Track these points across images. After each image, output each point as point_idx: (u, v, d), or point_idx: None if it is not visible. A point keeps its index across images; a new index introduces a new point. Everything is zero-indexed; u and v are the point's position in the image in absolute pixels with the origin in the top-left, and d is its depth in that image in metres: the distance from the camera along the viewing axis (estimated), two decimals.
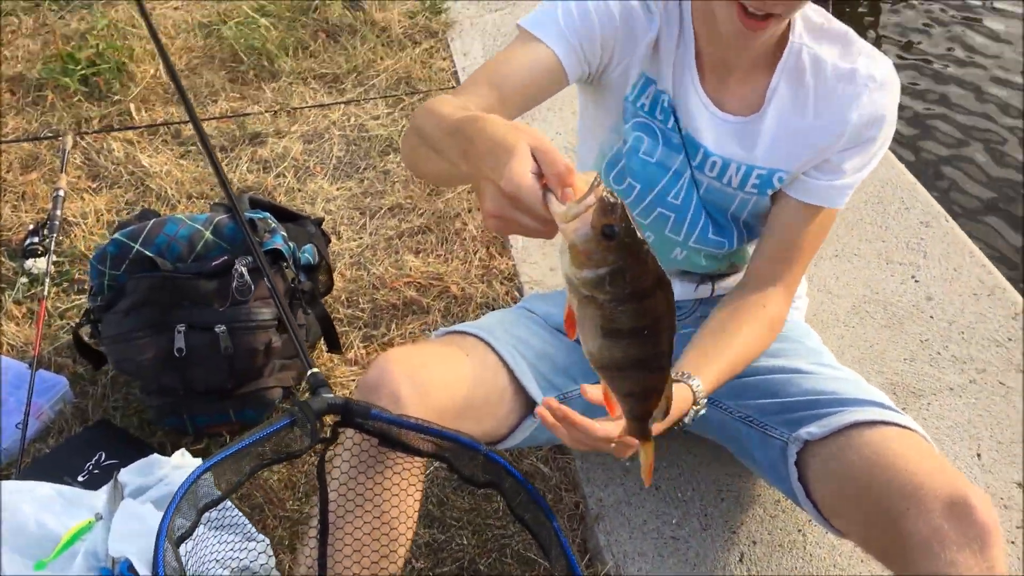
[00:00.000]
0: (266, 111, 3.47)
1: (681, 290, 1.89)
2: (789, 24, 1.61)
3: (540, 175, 0.99)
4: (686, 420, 1.55)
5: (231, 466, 1.46)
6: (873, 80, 1.59)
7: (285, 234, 2.25)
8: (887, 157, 2.85)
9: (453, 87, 3.48)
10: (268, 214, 2.27)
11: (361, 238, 2.91)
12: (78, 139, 3.40)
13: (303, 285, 2.31)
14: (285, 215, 2.51)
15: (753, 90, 1.64)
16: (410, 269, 2.75)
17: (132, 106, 3.62)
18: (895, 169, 2.84)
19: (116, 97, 3.67)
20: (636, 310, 1.02)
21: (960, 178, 3.77)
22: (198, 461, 2.06)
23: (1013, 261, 3.37)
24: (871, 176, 2.75)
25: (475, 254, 2.77)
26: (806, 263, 1.73)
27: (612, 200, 0.95)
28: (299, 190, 3.12)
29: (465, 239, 2.84)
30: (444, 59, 3.67)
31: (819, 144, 1.62)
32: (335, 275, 2.74)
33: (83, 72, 3.75)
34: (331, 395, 1.56)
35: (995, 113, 4.11)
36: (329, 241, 2.73)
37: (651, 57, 1.65)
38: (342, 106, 3.47)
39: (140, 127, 3.46)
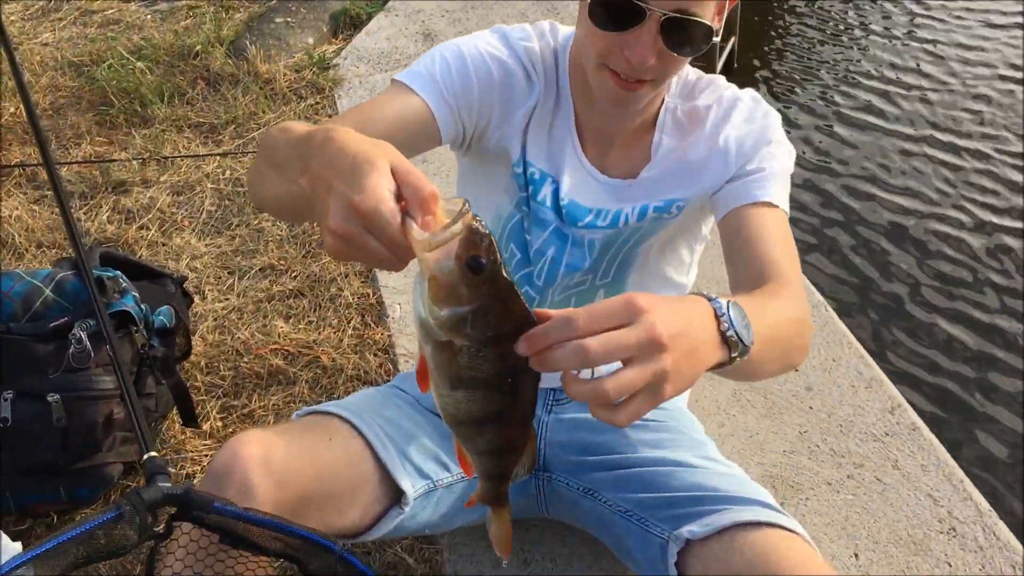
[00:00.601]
0: (133, 158, 3.25)
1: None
2: (666, 88, 1.59)
3: (399, 198, 0.88)
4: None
5: (48, 562, 1.27)
6: (740, 100, 1.58)
7: (137, 295, 2.05)
8: None
9: None
10: (119, 272, 2.08)
11: (228, 299, 2.72)
12: None
13: (156, 351, 2.11)
14: (143, 272, 2.31)
15: (638, 152, 1.60)
16: (278, 335, 2.57)
17: None
18: None
19: None
20: (499, 355, 0.90)
21: (837, 270, 3.85)
22: (17, 546, 1.83)
23: (887, 354, 3.43)
24: None
25: (349, 323, 2.62)
26: (785, 259, 1.42)
27: (481, 230, 0.85)
28: (163, 244, 2.91)
29: (339, 306, 2.68)
30: (329, 116, 3.55)
31: (709, 169, 1.56)
32: (195, 338, 2.54)
33: None
34: (169, 484, 1.39)
35: (869, 209, 4.24)
36: (191, 302, 2.54)
37: (525, 127, 1.58)
38: (218, 158, 3.29)
39: None
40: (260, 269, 2.82)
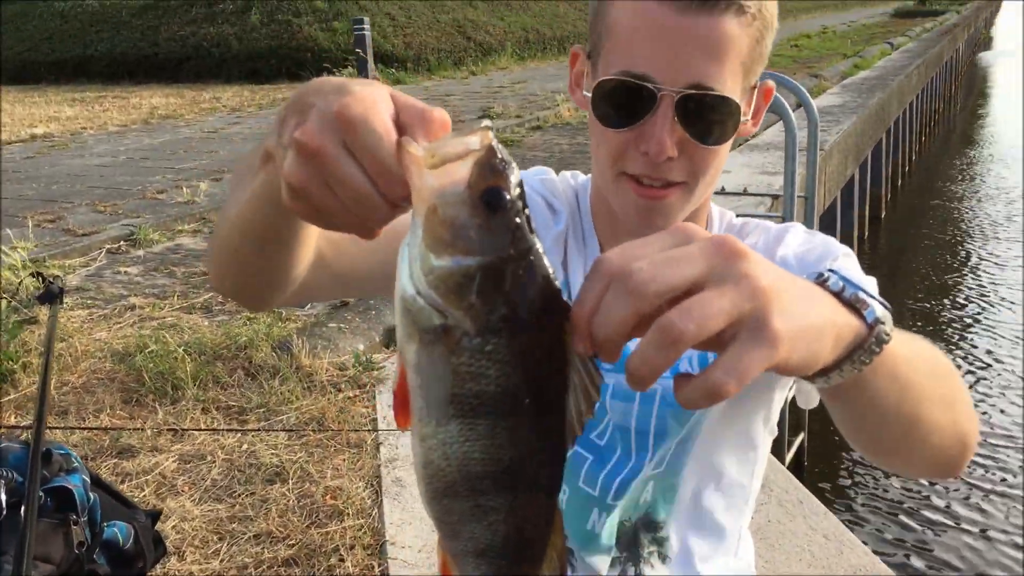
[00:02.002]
0: (147, 428, 3.01)
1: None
2: (707, 226, 1.31)
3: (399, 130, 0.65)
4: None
5: None
6: (793, 227, 1.26)
7: (88, 481, 1.70)
8: None
9: (369, 431, 3.07)
10: (75, 455, 1.74)
11: (209, 564, 2.30)
12: None
13: (97, 567, 1.70)
14: (115, 496, 1.96)
15: None
16: None
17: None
18: None
19: None
20: (515, 353, 0.60)
21: None
22: None
23: None
24: None
25: None
26: None
27: (504, 155, 0.60)
28: (153, 506, 2.55)
29: None
30: (365, 407, 3.31)
31: None
32: None
33: None
34: None
35: None
36: (164, 551, 2.12)
37: (563, 256, 1.30)
38: (238, 435, 3.02)
39: None
40: (255, 535, 2.42)
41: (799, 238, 1.27)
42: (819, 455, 5.59)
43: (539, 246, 0.61)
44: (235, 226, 0.94)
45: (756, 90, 1.15)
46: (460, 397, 0.61)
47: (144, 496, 2.60)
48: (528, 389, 0.61)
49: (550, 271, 0.61)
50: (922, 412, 0.83)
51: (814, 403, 1.18)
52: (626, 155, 1.12)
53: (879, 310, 0.71)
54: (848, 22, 30.67)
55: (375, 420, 3.18)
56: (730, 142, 1.15)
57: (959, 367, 5.35)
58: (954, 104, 24.30)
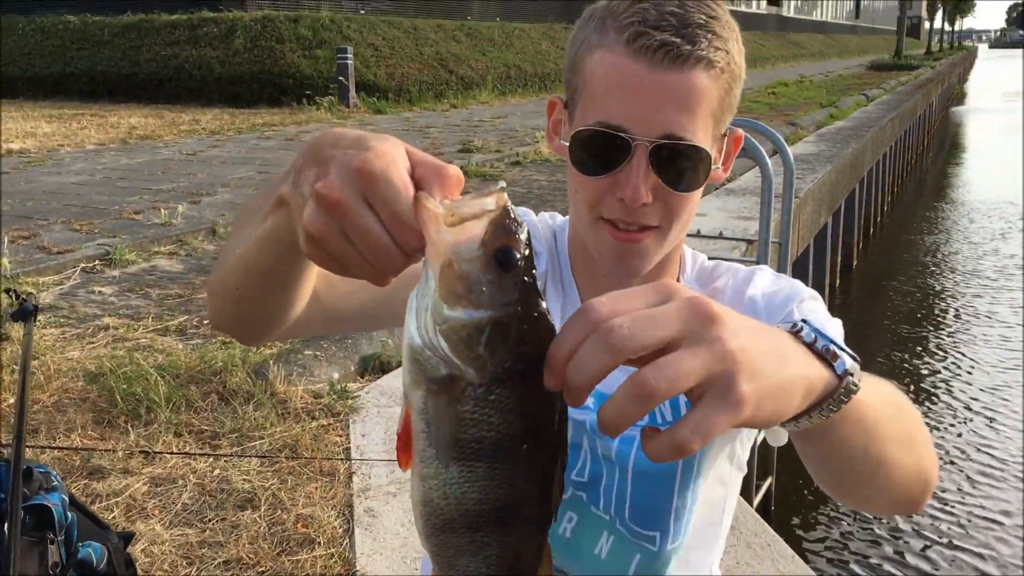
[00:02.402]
0: (118, 449, 2.99)
1: None
2: (680, 268, 1.35)
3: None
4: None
5: None
6: (761, 269, 1.31)
7: (67, 500, 1.69)
8: None
9: (342, 460, 3.07)
10: (55, 473, 1.74)
11: None
12: None
13: None
14: (89, 516, 1.95)
15: None
16: None
17: None
18: None
19: None
20: (516, 403, 0.64)
21: None
22: None
23: None
24: None
25: None
26: None
27: (517, 217, 0.64)
28: (123, 528, 2.54)
29: None
30: (339, 436, 3.30)
31: None
32: None
33: None
34: None
35: None
36: (134, 574, 2.11)
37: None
38: (211, 459, 3.01)
39: None
40: (224, 561, 2.41)
41: (767, 280, 1.32)
42: (786, 500, 5.63)
43: (544, 303, 0.65)
44: (239, 264, 0.97)
45: (726, 138, 1.21)
46: (462, 442, 0.64)
47: (113, 518, 2.58)
48: (526, 434, 0.64)
49: (554, 326, 0.65)
50: (886, 453, 0.87)
51: (783, 441, 1.21)
52: (603, 201, 1.17)
53: (848, 362, 0.75)
54: (825, 72, 31.28)
55: (348, 449, 3.18)
56: (702, 188, 1.20)
57: (925, 419, 5.45)
58: (926, 157, 24.78)
